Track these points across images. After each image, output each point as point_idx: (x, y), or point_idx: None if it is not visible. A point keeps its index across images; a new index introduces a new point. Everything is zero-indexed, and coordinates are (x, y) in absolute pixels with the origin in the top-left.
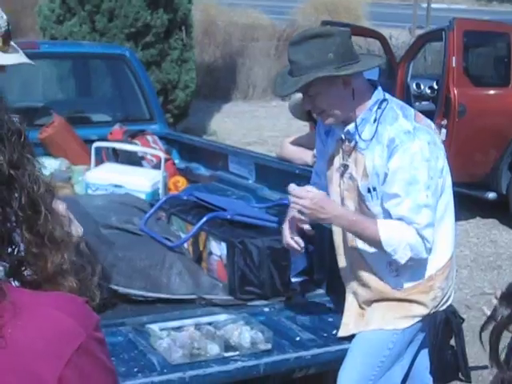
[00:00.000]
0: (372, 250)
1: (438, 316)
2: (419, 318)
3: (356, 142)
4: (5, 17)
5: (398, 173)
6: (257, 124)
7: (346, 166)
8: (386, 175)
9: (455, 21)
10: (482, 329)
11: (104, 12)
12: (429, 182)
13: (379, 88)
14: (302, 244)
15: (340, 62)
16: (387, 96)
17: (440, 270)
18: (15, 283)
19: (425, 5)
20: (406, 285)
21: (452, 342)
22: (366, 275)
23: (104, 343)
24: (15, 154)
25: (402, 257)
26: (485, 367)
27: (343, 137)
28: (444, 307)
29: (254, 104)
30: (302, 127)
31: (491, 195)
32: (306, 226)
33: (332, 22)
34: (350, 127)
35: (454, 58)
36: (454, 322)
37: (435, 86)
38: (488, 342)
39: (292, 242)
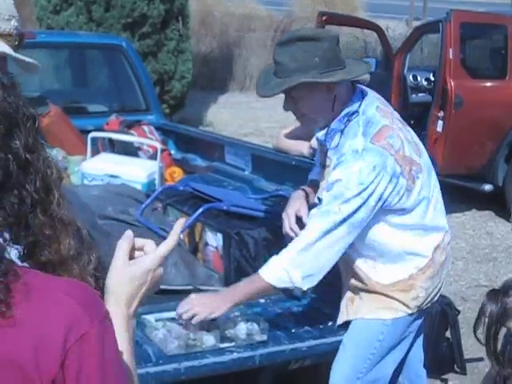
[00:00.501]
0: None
1: (433, 308)
2: (403, 314)
3: (327, 149)
4: (17, 17)
5: (333, 186)
6: (253, 115)
7: (323, 166)
8: None
9: (452, 12)
10: (475, 327)
11: (101, 2)
12: (351, 200)
13: (355, 100)
14: None
15: (325, 67)
16: (363, 107)
17: (421, 270)
18: (29, 263)
19: None
20: (386, 281)
21: (447, 334)
22: (352, 268)
23: (110, 336)
24: (30, 139)
25: (297, 282)
26: (480, 359)
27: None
28: (428, 305)
29: (250, 95)
30: None
31: (487, 187)
32: (305, 218)
33: (329, 12)
34: (320, 135)
35: (450, 50)
36: (449, 314)
37: (432, 78)
38: (484, 339)
39: (291, 233)
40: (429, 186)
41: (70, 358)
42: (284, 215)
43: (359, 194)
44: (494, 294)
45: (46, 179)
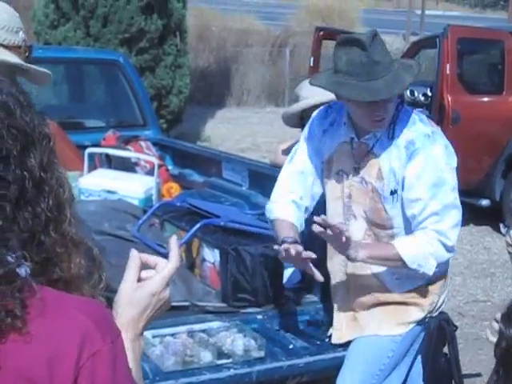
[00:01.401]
0: None
1: (431, 323)
2: (415, 324)
3: (372, 145)
4: (23, 29)
5: (423, 176)
6: (250, 130)
7: (356, 170)
8: (404, 179)
9: (449, 28)
10: (496, 353)
11: (98, 17)
12: (454, 184)
13: None
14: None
15: None
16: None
17: (438, 277)
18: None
19: (419, 11)
20: (407, 288)
21: (445, 349)
22: (367, 280)
23: (122, 355)
24: (45, 158)
25: (429, 268)
26: (478, 375)
27: (355, 139)
28: (436, 313)
29: (247, 110)
30: (296, 133)
31: (485, 202)
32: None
33: (326, 28)
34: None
35: (447, 65)
36: (447, 330)
37: (429, 93)
38: (501, 363)
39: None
40: None
41: (83, 374)
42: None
43: (452, 175)
44: (505, 320)
45: (58, 198)
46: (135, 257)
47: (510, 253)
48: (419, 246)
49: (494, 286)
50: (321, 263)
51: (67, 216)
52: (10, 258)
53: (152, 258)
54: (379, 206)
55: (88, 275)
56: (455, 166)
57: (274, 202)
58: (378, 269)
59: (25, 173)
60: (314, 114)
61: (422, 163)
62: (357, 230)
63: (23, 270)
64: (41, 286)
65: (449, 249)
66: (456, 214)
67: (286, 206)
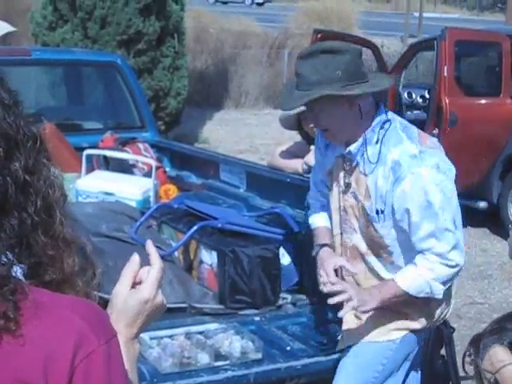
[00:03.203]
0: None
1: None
2: (412, 332)
3: (357, 163)
4: None
5: (412, 200)
6: (249, 132)
7: (348, 185)
8: (392, 202)
9: (447, 30)
10: (463, 362)
11: (96, 19)
12: (443, 204)
13: (382, 107)
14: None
15: (348, 80)
16: (390, 115)
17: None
18: (32, 282)
19: (417, 14)
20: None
21: (442, 351)
22: (373, 282)
23: (117, 356)
24: (30, 160)
25: (437, 293)
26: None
27: (344, 155)
28: (437, 324)
29: (245, 112)
30: (294, 135)
31: (482, 204)
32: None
33: (324, 30)
34: (352, 148)
35: (445, 68)
36: (444, 332)
37: (427, 95)
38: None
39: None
40: None
41: (78, 375)
42: (322, 272)
43: (442, 195)
44: (476, 346)
45: (47, 200)
46: (134, 262)
47: None
48: (420, 276)
49: (492, 288)
50: None
51: (57, 216)
52: (1, 261)
53: (141, 270)
54: (368, 225)
55: (82, 271)
56: (451, 183)
57: (311, 212)
58: (389, 275)
59: (8, 178)
60: None
61: (409, 186)
62: (359, 243)
63: (15, 272)
64: (34, 287)
65: (453, 266)
66: (451, 237)
67: (319, 211)
